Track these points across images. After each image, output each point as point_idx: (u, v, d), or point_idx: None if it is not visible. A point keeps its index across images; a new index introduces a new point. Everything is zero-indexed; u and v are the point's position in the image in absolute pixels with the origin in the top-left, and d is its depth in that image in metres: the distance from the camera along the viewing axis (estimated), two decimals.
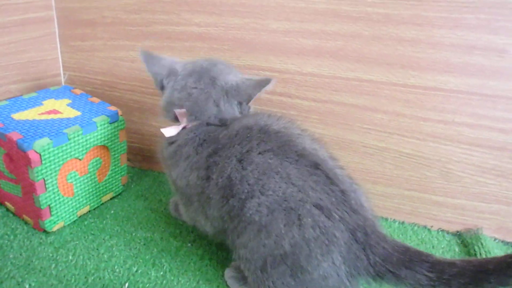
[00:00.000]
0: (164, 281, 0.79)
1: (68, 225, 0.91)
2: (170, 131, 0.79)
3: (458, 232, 1.00)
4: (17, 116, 0.87)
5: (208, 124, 0.78)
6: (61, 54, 1.12)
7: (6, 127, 0.83)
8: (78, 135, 0.84)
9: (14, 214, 0.92)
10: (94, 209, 0.97)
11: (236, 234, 0.71)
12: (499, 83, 0.87)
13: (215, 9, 0.95)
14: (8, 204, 0.92)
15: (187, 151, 0.77)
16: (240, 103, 0.79)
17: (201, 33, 0.97)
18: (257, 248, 0.68)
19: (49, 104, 0.93)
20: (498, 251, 0.90)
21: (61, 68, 1.13)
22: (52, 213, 0.86)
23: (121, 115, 0.94)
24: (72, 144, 0.84)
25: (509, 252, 0.92)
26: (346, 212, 0.67)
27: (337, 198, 0.67)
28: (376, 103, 0.94)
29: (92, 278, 0.78)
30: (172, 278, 0.80)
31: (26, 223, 0.90)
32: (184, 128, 0.79)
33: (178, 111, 0.78)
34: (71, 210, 0.90)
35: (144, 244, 0.88)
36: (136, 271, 0.81)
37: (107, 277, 0.79)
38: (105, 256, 0.84)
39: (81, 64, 1.11)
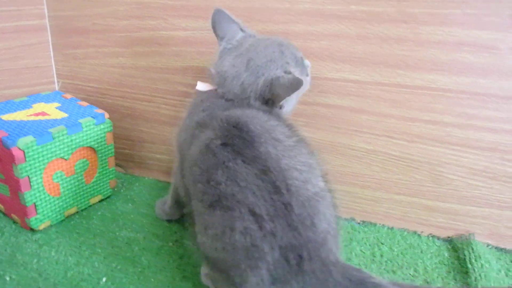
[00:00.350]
0: (142, 277, 0.87)
1: (55, 224, 1.01)
2: (201, 86, 0.88)
3: (449, 237, 1.03)
4: (5, 117, 0.98)
5: (221, 97, 0.83)
6: (55, 62, 1.22)
7: None
8: (62, 135, 0.95)
9: (4, 214, 1.03)
10: (81, 210, 1.06)
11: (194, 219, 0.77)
12: (489, 81, 0.91)
13: (202, 13, 1.04)
14: None
15: (192, 111, 0.85)
16: (272, 101, 0.80)
17: (187, 37, 1.06)
18: (201, 244, 0.73)
19: (39, 107, 1.05)
20: (489, 257, 0.93)
21: (55, 76, 1.23)
22: (38, 211, 0.96)
23: (108, 118, 1.04)
24: (57, 143, 0.94)
25: (501, 258, 0.97)
26: (280, 226, 0.65)
27: (276, 210, 0.65)
28: (363, 104, 0.99)
29: (72, 272, 0.87)
30: (150, 274, 0.88)
31: (14, 222, 1.00)
32: (213, 90, 0.86)
33: (211, 71, 0.87)
34: (57, 209, 1.00)
35: (127, 243, 0.97)
36: (115, 267, 0.90)
37: (86, 272, 0.88)
38: (87, 253, 0.93)
39: (74, 72, 1.21)
